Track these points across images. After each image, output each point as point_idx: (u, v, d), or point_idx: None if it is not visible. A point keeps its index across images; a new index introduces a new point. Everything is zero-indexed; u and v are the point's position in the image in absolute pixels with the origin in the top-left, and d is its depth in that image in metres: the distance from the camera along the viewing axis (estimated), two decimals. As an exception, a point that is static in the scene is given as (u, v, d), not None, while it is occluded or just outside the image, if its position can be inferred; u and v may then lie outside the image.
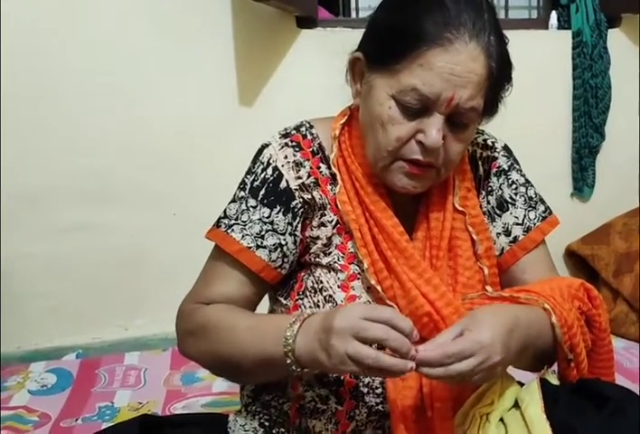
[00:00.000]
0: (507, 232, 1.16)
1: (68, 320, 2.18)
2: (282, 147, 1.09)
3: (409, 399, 1.01)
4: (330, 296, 1.07)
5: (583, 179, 2.52)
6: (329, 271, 1.08)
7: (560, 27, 2.48)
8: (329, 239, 1.09)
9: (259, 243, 1.07)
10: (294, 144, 1.10)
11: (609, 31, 2.44)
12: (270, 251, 1.07)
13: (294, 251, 1.09)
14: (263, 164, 1.09)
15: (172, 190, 2.16)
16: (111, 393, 1.90)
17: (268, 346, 0.95)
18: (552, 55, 2.43)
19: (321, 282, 1.08)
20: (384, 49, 1.01)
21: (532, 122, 2.36)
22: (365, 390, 1.06)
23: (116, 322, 2.22)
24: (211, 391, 1.89)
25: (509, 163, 1.19)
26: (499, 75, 1.01)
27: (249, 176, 1.11)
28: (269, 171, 1.08)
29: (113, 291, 2.19)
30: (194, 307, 1.09)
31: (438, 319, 1.03)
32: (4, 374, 2.01)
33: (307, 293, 1.08)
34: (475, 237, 1.12)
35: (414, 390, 1.01)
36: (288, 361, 0.92)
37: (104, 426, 1.64)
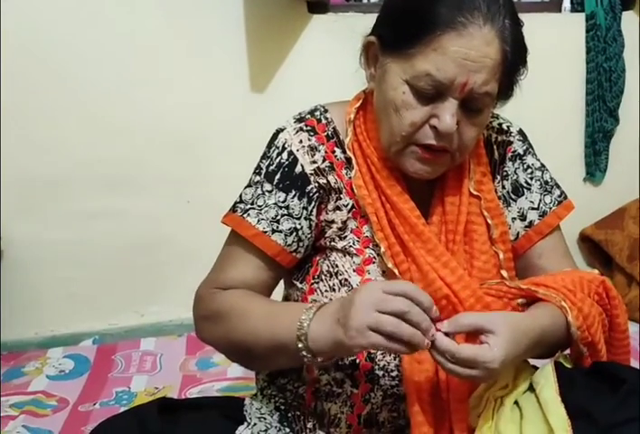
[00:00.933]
0: (523, 217, 1.16)
1: (84, 306, 2.20)
2: (297, 132, 1.09)
3: (424, 382, 1.02)
4: (345, 279, 1.07)
5: (596, 164, 2.50)
6: (344, 255, 1.09)
7: (574, 10, 2.45)
8: (344, 223, 1.10)
9: (275, 228, 1.07)
10: (308, 128, 1.10)
11: (623, 13, 2.42)
12: (286, 236, 1.08)
13: (309, 236, 1.10)
14: (278, 148, 1.10)
15: (186, 176, 2.17)
16: (128, 379, 1.92)
17: (281, 331, 0.96)
18: (566, 38, 2.40)
19: (336, 266, 1.08)
20: (398, 33, 1.00)
21: (545, 106, 2.35)
22: (381, 373, 1.06)
23: (132, 308, 2.24)
24: (226, 377, 1.90)
25: (524, 147, 1.18)
26: (514, 59, 1.00)
27: (264, 161, 1.11)
28: (285, 155, 1.09)
29: (129, 277, 2.21)
30: (211, 293, 1.09)
31: (456, 302, 1.03)
32: (23, 360, 2.03)
33: (323, 277, 1.09)
34: (490, 221, 1.12)
35: (430, 373, 1.02)
36: (300, 345, 0.93)
37: (121, 410, 1.66)
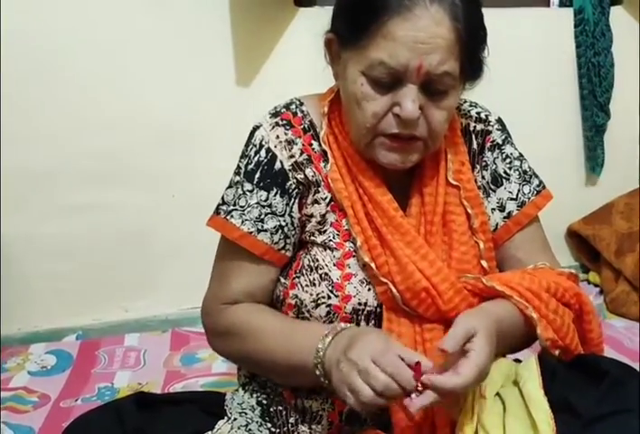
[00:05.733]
0: (502, 208, 1.15)
1: (68, 302, 2.18)
2: (273, 128, 1.08)
3: None
4: (326, 274, 1.06)
5: (593, 159, 2.49)
6: (324, 250, 1.08)
7: (562, 5, 2.44)
8: (323, 216, 1.09)
9: (260, 227, 1.07)
10: (284, 122, 1.09)
11: (611, 8, 2.41)
12: (272, 234, 1.07)
13: (294, 232, 1.09)
14: (256, 146, 1.08)
15: (171, 171, 2.14)
16: (111, 374, 1.90)
17: (298, 356, 0.98)
18: (555, 33, 2.39)
19: (317, 260, 1.07)
20: (350, 25, 1.00)
21: (536, 101, 2.34)
22: None
23: (116, 303, 2.21)
24: (210, 372, 1.89)
25: (503, 137, 1.17)
26: (470, 37, 0.98)
27: (242, 160, 1.10)
28: (262, 153, 1.08)
29: (113, 273, 2.19)
30: (220, 309, 1.10)
31: (435, 294, 1.03)
32: (5, 356, 2.01)
33: (304, 271, 1.08)
34: (470, 211, 1.11)
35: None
36: (317, 372, 0.96)
37: (103, 406, 1.65)
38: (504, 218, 1.15)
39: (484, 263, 1.11)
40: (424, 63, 0.95)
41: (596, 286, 2.40)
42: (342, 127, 1.09)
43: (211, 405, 1.08)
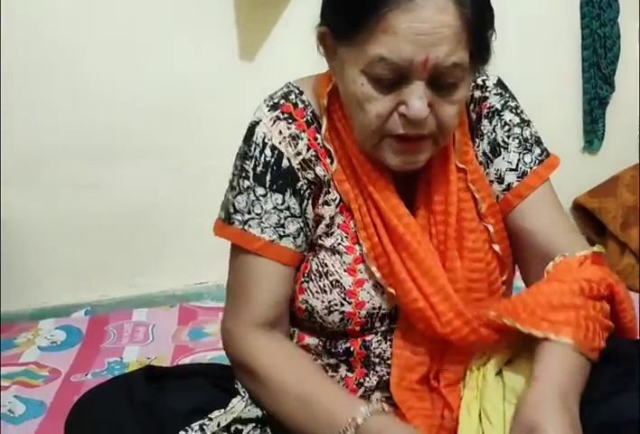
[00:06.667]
0: (500, 179, 1.06)
1: (76, 278, 2.19)
2: (274, 122, 1.00)
3: (415, 371, 1.02)
4: (337, 280, 1.01)
5: (594, 131, 2.47)
6: (333, 254, 1.02)
7: (568, -26, 2.41)
8: (332, 219, 1.03)
9: (282, 233, 1.00)
10: (285, 115, 1.01)
11: (619, -22, 2.38)
12: (294, 238, 1.01)
13: (310, 233, 1.03)
14: (259, 145, 1.00)
15: (175, 146, 2.14)
16: (120, 349, 1.92)
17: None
18: (560, 3, 2.36)
19: (326, 265, 1.02)
20: (344, 19, 0.90)
21: (540, 74, 2.32)
22: (377, 360, 1.04)
23: (123, 279, 2.23)
24: (218, 347, 1.89)
25: (502, 101, 1.07)
26: (478, 22, 0.89)
27: (248, 162, 1.01)
28: (268, 152, 1.00)
29: (120, 249, 2.20)
30: (243, 333, 1.01)
31: (432, 316, 0.97)
32: (15, 332, 2.03)
33: (312, 276, 1.02)
34: (477, 195, 1.03)
35: (424, 365, 1.02)
36: None
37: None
38: (504, 190, 1.05)
39: (495, 247, 1.04)
40: (430, 56, 0.86)
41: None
42: (345, 122, 1.00)
43: (220, 378, 1.07)
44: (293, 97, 1.03)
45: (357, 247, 1.02)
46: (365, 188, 1.00)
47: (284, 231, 1.00)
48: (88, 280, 2.20)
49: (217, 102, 2.13)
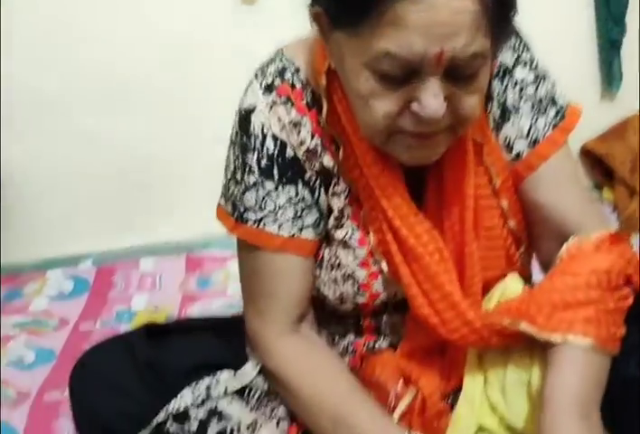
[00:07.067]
0: (509, 148, 0.96)
1: (82, 228, 2.19)
2: (271, 108, 0.91)
3: (424, 342, 0.99)
4: (349, 274, 0.96)
5: (609, 74, 2.41)
6: (344, 248, 0.96)
7: None
8: (341, 211, 0.96)
9: (301, 225, 0.93)
10: (283, 99, 0.91)
11: None
12: (314, 228, 0.94)
13: (325, 221, 0.97)
14: (258, 136, 0.91)
15: (178, 93, 2.10)
16: (128, 298, 1.93)
17: None
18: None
19: (338, 258, 0.96)
20: (342, 6, 0.78)
21: (549, 15, 2.26)
22: (388, 330, 1.02)
23: (130, 228, 2.22)
24: (225, 294, 1.91)
25: (514, 56, 0.95)
26: (500, 3, 0.77)
27: (249, 155, 0.92)
28: (269, 143, 0.91)
29: (126, 198, 2.19)
30: (273, 338, 0.95)
31: (437, 323, 0.92)
32: (23, 282, 2.04)
33: (324, 265, 0.97)
34: (491, 169, 0.95)
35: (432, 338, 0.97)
36: None
37: (122, 329, 1.68)
38: (513, 160, 0.96)
39: (510, 223, 0.97)
40: (446, 49, 0.74)
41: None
42: (346, 104, 0.88)
43: (224, 332, 1.05)
44: (289, 75, 0.92)
45: (369, 238, 0.95)
46: (369, 182, 0.91)
47: (302, 223, 0.93)
48: (94, 230, 2.20)
49: (217, 49, 2.08)
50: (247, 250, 0.96)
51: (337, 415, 0.90)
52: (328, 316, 1.03)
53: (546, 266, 0.99)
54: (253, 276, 0.97)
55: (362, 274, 0.95)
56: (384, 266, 0.94)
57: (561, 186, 0.97)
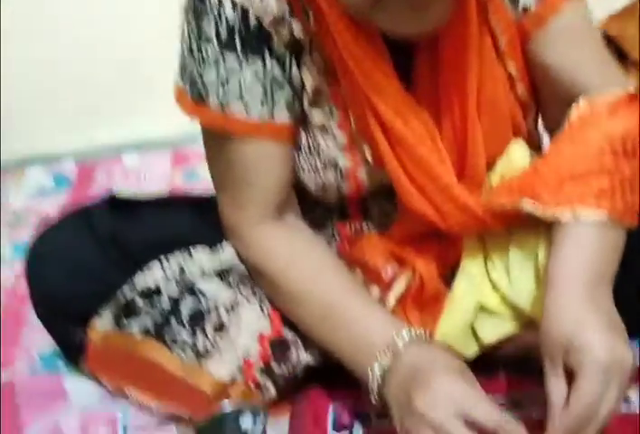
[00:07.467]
0: (514, 1, 0.85)
1: (63, 123, 2.11)
2: None
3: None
4: (330, 160, 0.87)
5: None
6: (324, 133, 0.87)
7: None
8: (318, 90, 0.85)
9: (272, 105, 0.82)
10: None
11: None
12: (288, 108, 0.84)
13: (299, 99, 0.87)
14: (215, 4, 0.79)
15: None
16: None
17: (348, 360, 0.82)
18: None
19: (318, 144, 0.87)
20: None
21: None
22: (377, 217, 0.94)
23: (111, 123, 2.13)
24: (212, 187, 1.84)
25: None
26: None
27: (205, 27, 0.80)
28: (228, 11, 0.79)
29: (107, 90, 2.09)
30: (251, 229, 0.89)
31: (431, 213, 0.85)
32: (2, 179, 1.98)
33: (303, 150, 0.89)
34: (496, 29, 0.84)
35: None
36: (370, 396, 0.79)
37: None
38: (519, 16, 0.86)
39: (519, 88, 0.88)
40: None
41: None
42: None
43: (202, 207, 0.97)
44: None
45: (350, 121, 0.86)
46: (343, 54, 0.80)
47: (274, 103, 0.83)
48: (75, 125, 2.11)
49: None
50: (213, 137, 0.87)
51: (325, 305, 0.84)
52: (311, 206, 0.95)
53: (554, 134, 0.90)
54: (224, 164, 0.88)
55: (344, 161, 0.87)
56: (367, 154, 0.86)
57: (574, 43, 0.87)
